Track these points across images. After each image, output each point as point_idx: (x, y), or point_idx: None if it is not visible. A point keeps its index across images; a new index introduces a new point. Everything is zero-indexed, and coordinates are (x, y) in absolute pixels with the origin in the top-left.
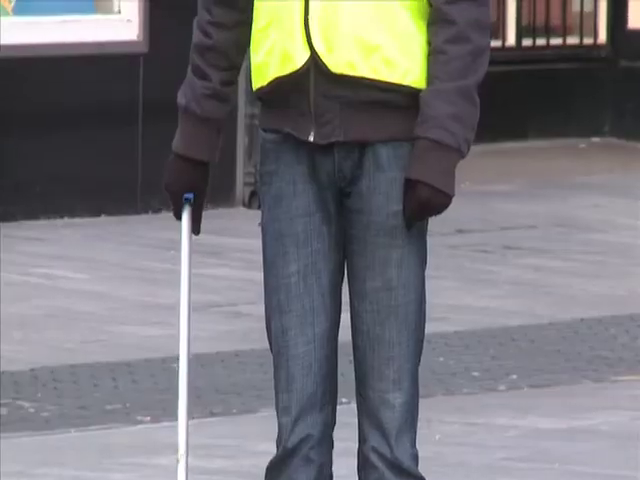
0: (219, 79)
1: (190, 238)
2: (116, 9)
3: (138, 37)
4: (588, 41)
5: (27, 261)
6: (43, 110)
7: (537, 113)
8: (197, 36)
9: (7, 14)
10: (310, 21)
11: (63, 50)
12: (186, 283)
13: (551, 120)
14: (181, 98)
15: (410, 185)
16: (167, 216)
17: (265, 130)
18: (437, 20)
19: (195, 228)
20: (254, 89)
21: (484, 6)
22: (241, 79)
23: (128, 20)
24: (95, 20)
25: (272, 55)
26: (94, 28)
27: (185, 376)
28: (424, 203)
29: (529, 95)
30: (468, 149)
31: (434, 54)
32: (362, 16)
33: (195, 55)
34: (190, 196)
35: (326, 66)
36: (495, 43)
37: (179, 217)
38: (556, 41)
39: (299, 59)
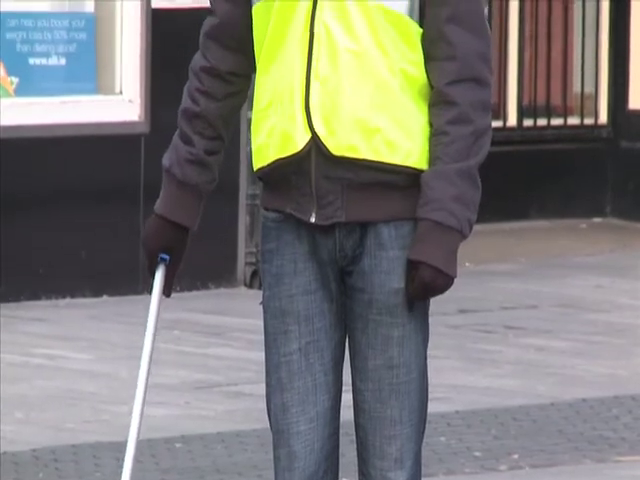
0: (203, 147)
1: (160, 298)
2: (117, 90)
3: (139, 117)
4: (589, 122)
5: (29, 341)
6: (45, 191)
7: (538, 193)
8: (185, 101)
9: (8, 95)
10: (311, 103)
11: (64, 131)
12: (149, 345)
13: (552, 200)
14: (165, 160)
15: (412, 266)
16: (168, 298)
17: (267, 209)
18: (438, 102)
19: (167, 290)
20: (255, 169)
21: (485, 87)
22: (243, 159)
23: (129, 101)
24: (96, 101)
25: (273, 137)
26: (95, 109)
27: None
28: (427, 284)
29: (530, 175)
30: (470, 230)
31: (436, 135)
32: (363, 98)
33: (182, 120)
34: (166, 257)
35: (327, 149)
36: (496, 123)
37: (152, 273)
38: (557, 121)
39: (300, 141)
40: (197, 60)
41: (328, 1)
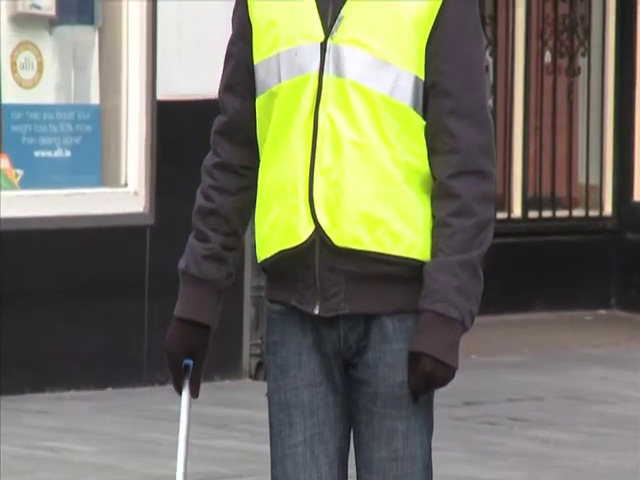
0: (220, 242)
1: (189, 412)
2: (123, 181)
3: (144, 209)
4: (594, 213)
5: (32, 434)
6: (49, 283)
7: (543, 285)
8: (199, 200)
9: (13, 187)
10: (314, 195)
11: (69, 223)
12: (182, 455)
13: (557, 292)
14: (181, 263)
15: (414, 357)
16: (172, 388)
17: (271, 301)
18: (441, 194)
19: (194, 391)
20: (259, 261)
21: (488, 179)
22: (247, 251)
23: (135, 192)
24: (101, 193)
25: (276, 228)
26: (100, 201)
27: None
28: (428, 375)
29: (535, 267)
30: (472, 322)
31: (438, 227)
32: (366, 190)
33: (197, 219)
34: (189, 362)
35: (331, 240)
36: (501, 215)
37: (177, 385)
38: (562, 213)
39: (303, 233)
40: (209, 159)
41: (332, 93)
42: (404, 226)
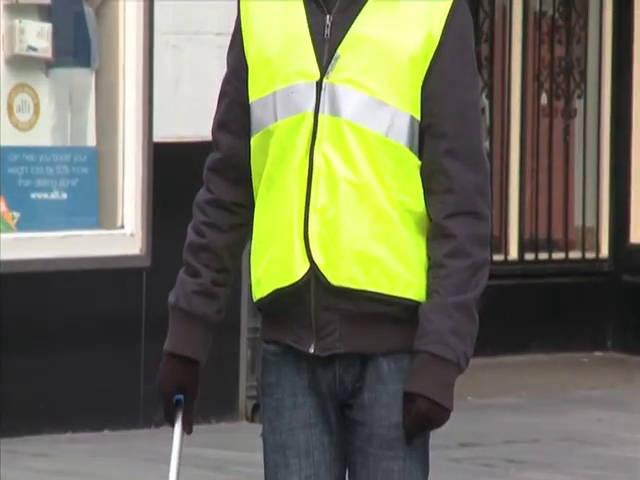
0: (210, 278)
1: (181, 446)
2: (119, 223)
3: (141, 251)
4: (590, 255)
5: (30, 476)
6: (46, 325)
7: (539, 327)
8: (191, 236)
9: (10, 229)
10: (310, 234)
11: (65, 265)
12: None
13: (553, 334)
14: (171, 297)
15: (409, 398)
16: (169, 429)
17: (266, 341)
18: (437, 235)
19: (187, 428)
20: (255, 300)
21: (484, 220)
22: (244, 292)
23: (131, 234)
24: (98, 235)
25: (272, 267)
26: (96, 243)
27: None
28: (423, 416)
29: (531, 309)
30: (467, 363)
31: (434, 268)
32: (362, 229)
33: (188, 254)
34: (180, 397)
35: (326, 279)
36: (497, 257)
37: (169, 418)
38: (558, 255)
39: (299, 271)
40: (201, 194)
41: (327, 132)
42: (399, 266)
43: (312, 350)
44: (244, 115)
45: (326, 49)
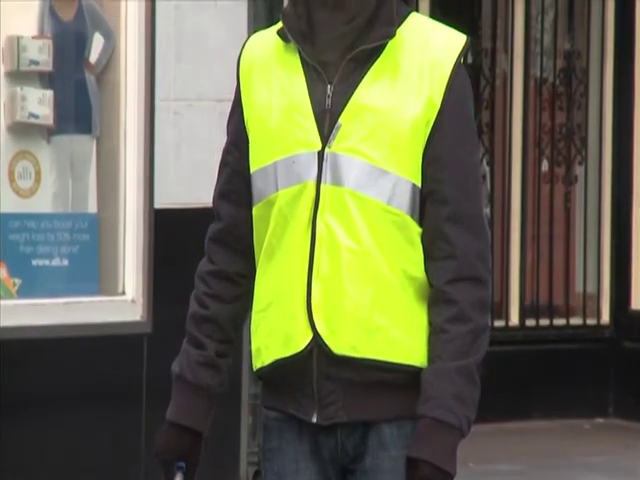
0: (214, 349)
1: None
2: (120, 290)
3: (142, 317)
4: (591, 322)
5: None
6: (46, 392)
7: (541, 393)
8: (193, 306)
9: (11, 296)
10: (312, 303)
11: (66, 332)
12: None
13: (555, 400)
14: (175, 367)
15: (412, 463)
16: None
17: (267, 408)
18: (438, 300)
19: None
20: (255, 369)
21: (484, 286)
22: (244, 358)
23: (132, 301)
24: (99, 301)
25: (273, 337)
26: (98, 309)
27: None
28: None
29: (532, 375)
30: (469, 428)
31: (435, 333)
32: (364, 297)
33: (191, 325)
34: (182, 464)
35: (329, 348)
36: (498, 323)
37: None
38: (560, 321)
39: (301, 341)
40: (203, 265)
41: (329, 201)
42: (401, 333)
43: (315, 419)
44: (245, 185)
45: (327, 119)
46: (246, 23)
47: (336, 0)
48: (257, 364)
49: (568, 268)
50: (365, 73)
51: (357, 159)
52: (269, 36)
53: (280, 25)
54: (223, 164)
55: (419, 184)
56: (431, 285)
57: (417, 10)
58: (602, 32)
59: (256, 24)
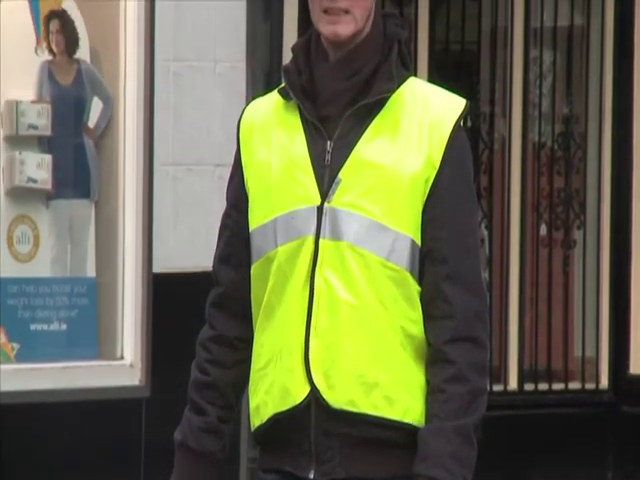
0: (216, 415)
1: None
2: (119, 354)
3: (140, 382)
4: (590, 386)
5: None
6: (45, 456)
7: (540, 458)
8: (194, 373)
9: (9, 360)
10: (310, 357)
11: (65, 397)
12: None
13: (554, 465)
14: (177, 434)
15: None
16: None
17: (264, 470)
18: (436, 360)
19: None
20: (252, 429)
21: (482, 348)
22: (243, 422)
23: (130, 365)
24: (97, 366)
25: (271, 393)
26: (96, 374)
27: None
28: None
29: (531, 440)
30: None
31: (433, 393)
32: (362, 353)
33: (193, 392)
34: None
35: (326, 402)
36: (497, 387)
37: None
38: (558, 386)
39: (298, 395)
40: (204, 332)
41: (328, 256)
42: (399, 390)
43: (312, 476)
44: (244, 247)
45: (327, 174)
46: (244, 87)
47: (338, 56)
48: (255, 422)
49: (567, 332)
50: (365, 128)
51: (357, 214)
52: (270, 98)
53: (281, 85)
54: (222, 228)
55: (419, 241)
56: (429, 344)
57: (415, 75)
58: (600, 97)
59: (254, 88)
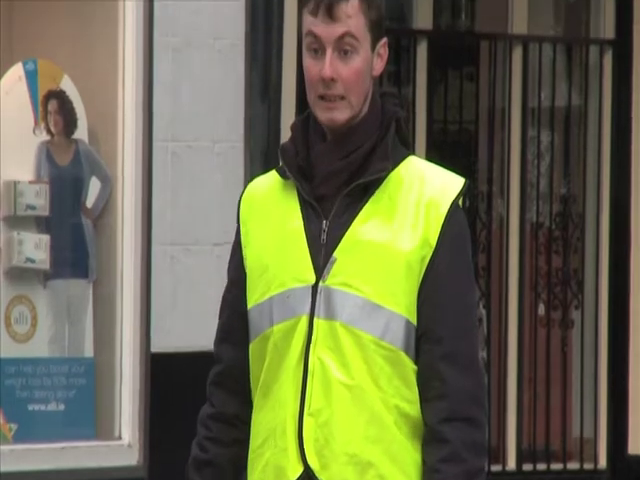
0: None
1: None
2: (116, 434)
3: (138, 462)
4: (589, 466)
5: None
6: None
7: None
8: (194, 451)
9: (7, 441)
10: (304, 436)
11: (62, 477)
12: None
13: None
14: None
15: None
16: None
17: None
18: (431, 439)
19: None
20: None
21: (479, 427)
22: None
23: (128, 445)
24: (95, 446)
25: (266, 472)
26: (94, 454)
27: None
28: None
29: None
30: None
31: (428, 473)
32: (356, 432)
33: (191, 470)
34: None
35: None
36: (495, 467)
37: None
38: (557, 466)
39: (292, 474)
40: (204, 410)
41: (322, 335)
42: (394, 470)
43: None
44: (244, 325)
45: (322, 253)
46: (242, 168)
47: (335, 136)
48: None
49: (565, 412)
50: (361, 208)
51: (351, 293)
52: (269, 177)
53: (280, 164)
54: (223, 305)
55: (414, 321)
56: (425, 424)
57: (413, 154)
58: (598, 177)
59: (252, 168)
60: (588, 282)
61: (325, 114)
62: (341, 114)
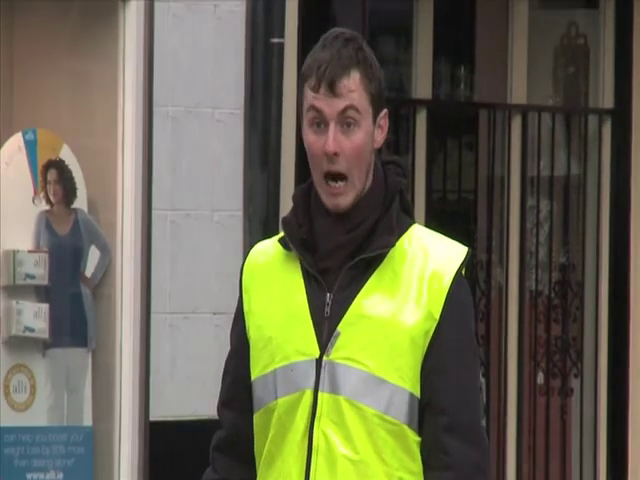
0: None
1: None
2: None
3: None
4: None
5: None
6: None
7: None
8: None
9: None
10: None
11: None
12: None
13: None
14: None
15: None
16: None
17: None
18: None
19: None
20: None
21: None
22: None
23: None
24: None
25: None
26: None
27: None
28: None
29: None
30: None
31: None
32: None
33: None
34: None
35: None
36: None
37: None
38: None
39: None
40: (207, 474)
41: (326, 409)
42: None
43: None
44: (246, 392)
45: (326, 327)
46: (242, 236)
47: (338, 210)
48: None
49: None
50: (365, 282)
51: (354, 368)
52: (271, 245)
53: (281, 234)
54: (225, 372)
55: (418, 394)
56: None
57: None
58: (597, 246)
59: (252, 237)
60: (587, 350)
61: (330, 200)
62: (345, 199)
